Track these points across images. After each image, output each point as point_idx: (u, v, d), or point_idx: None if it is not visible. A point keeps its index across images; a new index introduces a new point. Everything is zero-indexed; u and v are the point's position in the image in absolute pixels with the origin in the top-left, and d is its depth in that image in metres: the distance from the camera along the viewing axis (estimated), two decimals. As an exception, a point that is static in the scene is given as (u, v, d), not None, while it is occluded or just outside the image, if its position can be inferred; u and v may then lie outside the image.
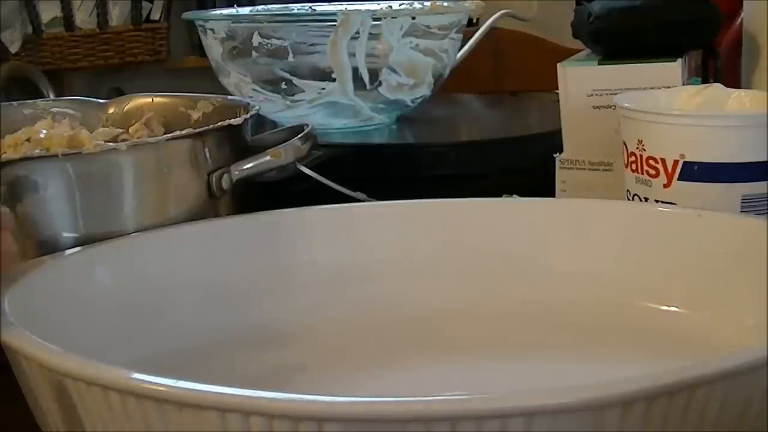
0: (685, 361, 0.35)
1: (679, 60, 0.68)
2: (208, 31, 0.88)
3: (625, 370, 0.33)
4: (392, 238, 0.58)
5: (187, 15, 0.94)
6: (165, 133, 0.62)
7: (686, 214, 0.55)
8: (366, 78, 0.85)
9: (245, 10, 0.97)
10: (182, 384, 0.33)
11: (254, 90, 0.87)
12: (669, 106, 0.62)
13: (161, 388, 0.33)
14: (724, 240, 0.52)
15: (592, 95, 0.69)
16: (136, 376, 0.34)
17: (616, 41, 0.71)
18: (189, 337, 0.51)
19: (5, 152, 0.62)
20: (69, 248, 0.53)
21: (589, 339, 0.52)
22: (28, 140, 0.63)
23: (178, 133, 0.57)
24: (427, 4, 0.93)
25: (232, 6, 0.97)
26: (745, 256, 0.51)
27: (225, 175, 0.59)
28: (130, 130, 0.68)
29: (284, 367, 0.50)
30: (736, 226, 0.53)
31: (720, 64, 0.78)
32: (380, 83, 0.86)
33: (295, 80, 0.85)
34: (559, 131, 0.72)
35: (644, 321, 0.52)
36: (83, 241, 0.53)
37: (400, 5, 0.95)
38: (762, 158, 0.56)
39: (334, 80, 0.85)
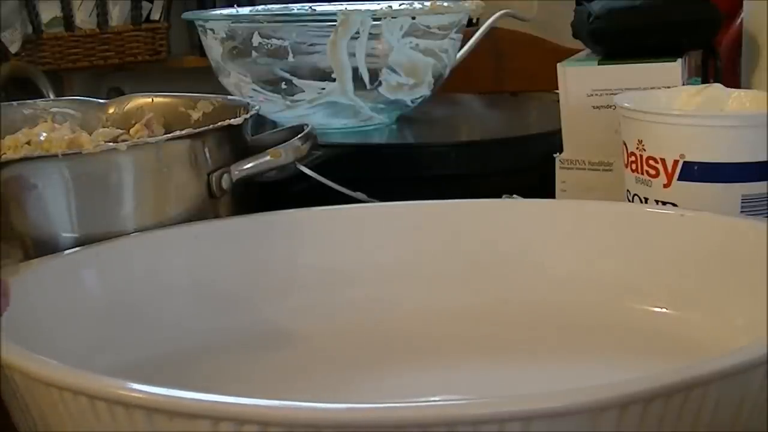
0: (676, 361, 0.35)
1: (679, 60, 0.68)
2: (208, 31, 0.88)
3: (616, 371, 0.33)
4: (389, 240, 0.58)
5: (187, 15, 0.94)
6: (165, 133, 0.62)
7: (676, 216, 0.55)
8: (366, 78, 0.85)
9: (245, 10, 0.97)
10: (173, 393, 0.32)
11: (254, 90, 0.87)
12: (669, 106, 0.62)
13: (151, 398, 0.33)
14: (713, 241, 0.52)
15: (592, 95, 0.69)
16: (125, 385, 0.33)
17: (616, 41, 0.71)
18: (179, 340, 0.51)
19: (5, 153, 0.62)
20: (69, 248, 0.53)
21: (580, 340, 0.52)
22: (28, 143, 0.63)
23: (178, 133, 0.57)
24: (427, 4, 0.93)
25: (232, 6, 0.97)
26: (733, 257, 0.51)
27: (225, 175, 0.59)
28: (131, 131, 0.68)
29: (276, 370, 0.50)
30: (725, 227, 0.53)
31: (720, 64, 0.78)
32: (380, 83, 0.86)
33: (295, 80, 0.85)
34: (559, 131, 0.72)
35: (634, 322, 0.53)
36: (83, 242, 0.53)
37: (400, 5, 0.95)
38: (762, 158, 0.56)
39: (334, 80, 0.84)
